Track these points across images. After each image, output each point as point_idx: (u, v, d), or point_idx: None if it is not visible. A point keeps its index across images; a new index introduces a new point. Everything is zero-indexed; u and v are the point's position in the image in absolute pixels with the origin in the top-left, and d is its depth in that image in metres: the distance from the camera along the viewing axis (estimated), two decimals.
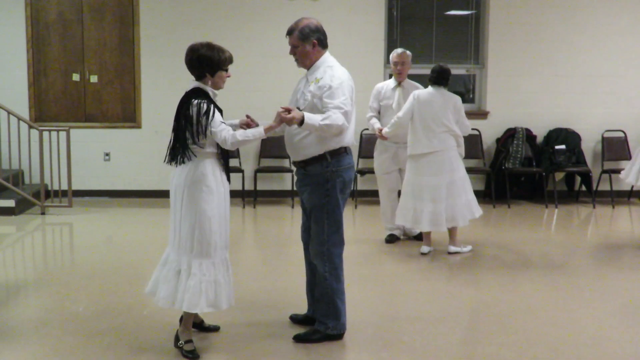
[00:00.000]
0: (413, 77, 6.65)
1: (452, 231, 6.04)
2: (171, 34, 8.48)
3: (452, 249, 6.06)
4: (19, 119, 7.96)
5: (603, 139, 8.94)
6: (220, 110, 3.77)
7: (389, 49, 8.92)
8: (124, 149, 8.81)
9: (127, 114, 8.86)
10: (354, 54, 8.54)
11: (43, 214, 7.83)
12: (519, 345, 3.97)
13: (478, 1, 9.01)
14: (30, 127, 8.02)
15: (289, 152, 4.01)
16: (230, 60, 3.78)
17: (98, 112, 8.84)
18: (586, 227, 7.90)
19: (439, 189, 5.83)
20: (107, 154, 8.85)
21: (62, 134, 7.98)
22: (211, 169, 3.72)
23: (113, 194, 8.87)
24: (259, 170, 8.61)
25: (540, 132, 8.95)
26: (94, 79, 8.78)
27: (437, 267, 5.75)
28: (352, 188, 4.13)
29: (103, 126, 8.80)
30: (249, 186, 8.72)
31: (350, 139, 3.94)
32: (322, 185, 3.87)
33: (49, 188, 8.14)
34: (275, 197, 8.94)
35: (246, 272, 5.55)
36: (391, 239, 6.49)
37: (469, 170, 8.81)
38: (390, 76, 6.54)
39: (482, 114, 8.98)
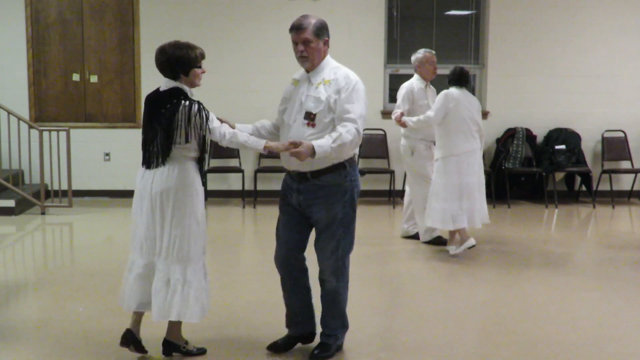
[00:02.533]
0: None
1: (456, 232, 5.98)
2: (171, 34, 8.32)
3: (453, 250, 6.02)
4: (19, 119, 7.96)
5: (603, 139, 8.94)
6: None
7: (389, 49, 8.95)
8: (124, 149, 8.80)
9: (127, 114, 8.86)
10: (354, 54, 8.53)
11: (43, 214, 7.83)
12: (519, 345, 3.97)
13: (478, 1, 9.00)
14: (31, 127, 8.02)
15: (297, 162, 3.48)
16: (202, 56, 3.63)
17: (98, 112, 8.84)
18: (586, 227, 7.90)
19: (472, 186, 5.85)
20: (107, 154, 8.85)
21: (62, 134, 7.97)
22: (197, 173, 3.63)
23: (113, 194, 8.87)
24: (259, 170, 8.60)
25: (540, 132, 8.95)
26: (94, 79, 8.78)
27: (437, 267, 5.75)
28: None
29: (103, 126, 8.81)
30: (249, 186, 8.72)
31: None
32: (341, 197, 3.58)
33: (49, 188, 8.13)
34: (275, 197, 8.81)
35: (246, 272, 5.56)
36: (438, 240, 6.34)
37: None
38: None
39: (482, 114, 8.95)
